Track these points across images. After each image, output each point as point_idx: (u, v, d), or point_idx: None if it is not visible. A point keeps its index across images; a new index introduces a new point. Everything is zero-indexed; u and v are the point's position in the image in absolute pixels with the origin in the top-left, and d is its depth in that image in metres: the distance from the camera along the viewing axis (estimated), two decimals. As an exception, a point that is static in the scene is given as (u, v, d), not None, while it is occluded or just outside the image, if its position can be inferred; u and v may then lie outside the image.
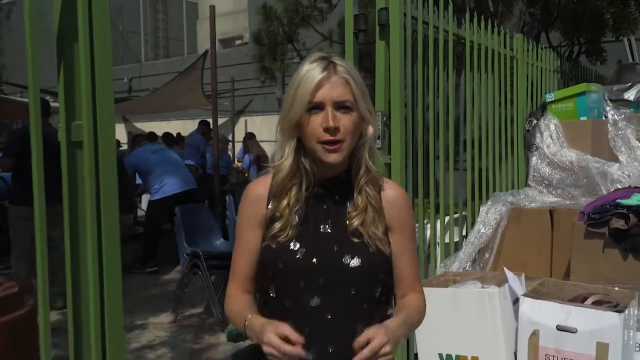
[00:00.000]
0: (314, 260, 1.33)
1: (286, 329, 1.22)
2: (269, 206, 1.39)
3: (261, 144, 9.77)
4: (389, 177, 2.69)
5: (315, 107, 1.31)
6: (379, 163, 2.68)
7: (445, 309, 2.53)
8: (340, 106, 1.32)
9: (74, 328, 1.57)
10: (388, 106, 2.65)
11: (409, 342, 2.82)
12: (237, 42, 15.31)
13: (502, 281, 2.58)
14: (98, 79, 1.45)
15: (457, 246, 3.28)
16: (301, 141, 1.36)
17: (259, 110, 13.41)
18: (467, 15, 3.24)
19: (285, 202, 1.37)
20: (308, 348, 1.26)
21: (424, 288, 2.47)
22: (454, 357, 2.55)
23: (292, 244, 1.34)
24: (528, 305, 2.37)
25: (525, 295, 2.41)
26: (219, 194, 5.86)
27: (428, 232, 2.96)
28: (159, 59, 16.16)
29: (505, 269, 2.62)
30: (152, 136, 10.04)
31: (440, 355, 2.58)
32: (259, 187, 1.42)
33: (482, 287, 2.60)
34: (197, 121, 9.70)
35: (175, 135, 9.44)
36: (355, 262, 1.34)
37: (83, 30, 1.43)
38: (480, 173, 3.54)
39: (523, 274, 2.71)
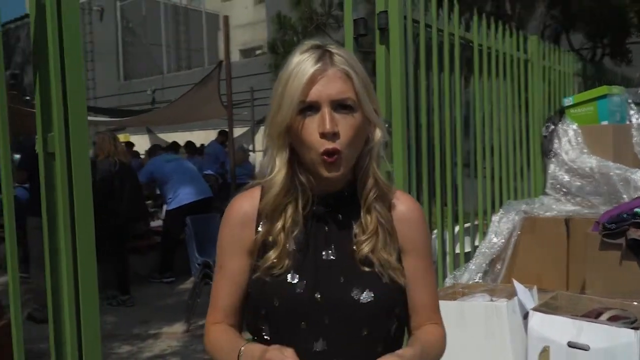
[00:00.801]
0: (317, 295, 1.09)
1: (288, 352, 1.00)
2: (259, 229, 1.14)
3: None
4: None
5: (309, 107, 1.06)
6: (382, 171, 2.62)
7: (452, 323, 2.41)
8: (339, 106, 1.07)
9: (54, 336, 1.53)
10: (390, 112, 2.57)
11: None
12: (257, 52, 15.39)
13: (512, 294, 2.47)
14: (70, 91, 1.41)
15: (469, 257, 3.16)
16: (294, 150, 1.11)
17: (279, 120, 13.40)
18: (475, 18, 3.14)
19: (279, 225, 1.12)
20: None
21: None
22: (461, 374, 2.44)
23: (289, 275, 1.09)
24: (538, 320, 2.25)
25: (534, 309, 2.30)
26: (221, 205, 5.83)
27: (436, 243, 2.86)
28: (181, 70, 16.33)
29: (514, 281, 2.50)
30: (174, 146, 10.14)
31: (447, 371, 2.47)
32: (245, 205, 1.16)
33: (491, 300, 2.49)
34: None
35: (197, 145, 9.51)
36: (366, 296, 1.09)
37: (52, 44, 1.39)
38: (493, 181, 3.42)
39: (535, 287, 2.59)
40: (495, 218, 3.13)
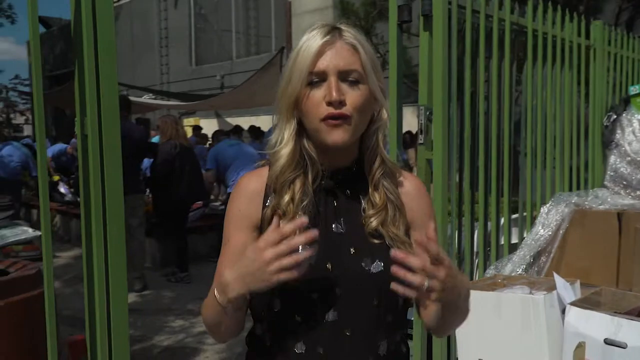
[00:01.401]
0: (328, 265, 1.10)
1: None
2: (267, 203, 1.15)
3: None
4: (431, 174, 2.59)
5: (317, 78, 1.09)
6: (421, 159, 2.61)
7: (488, 314, 2.40)
8: (346, 77, 1.09)
9: (88, 313, 1.64)
10: (431, 100, 2.55)
11: (450, 345, 2.71)
12: (325, 37, 15.37)
13: (553, 288, 2.41)
14: (102, 76, 1.50)
15: (516, 249, 3.09)
16: (303, 124, 1.13)
17: (344, 106, 13.38)
18: (530, 3, 3.04)
19: (288, 197, 1.12)
20: None
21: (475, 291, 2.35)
22: (495, 365, 2.41)
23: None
24: (574, 315, 2.19)
25: (572, 303, 2.24)
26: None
27: (476, 233, 2.82)
28: (250, 56, 16.60)
29: (555, 274, 2.44)
30: (237, 130, 10.38)
31: (481, 362, 2.45)
32: (253, 182, 1.18)
33: (530, 293, 2.43)
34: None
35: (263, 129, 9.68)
36: (376, 266, 1.11)
37: (87, 32, 1.48)
38: (545, 171, 3.32)
39: (578, 281, 2.51)
40: (543, 209, 3.04)
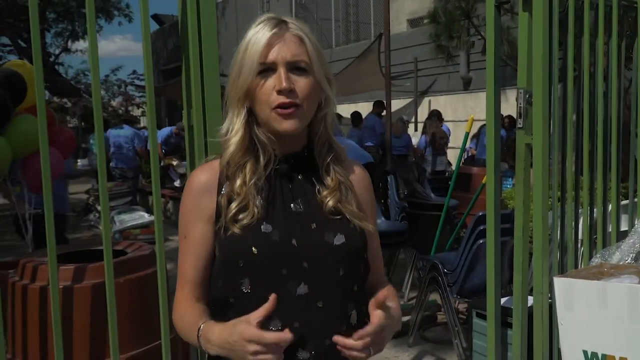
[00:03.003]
0: (294, 241, 1.15)
1: (257, 314, 1.04)
2: (222, 191, 1.19)
3: (445, 123, 9.59)
4: (531, 158, 2.52)
5: (267, 69, 1.14)
6: (520, 144, 2.54)
7: (592, 304, 2.31)
8: (294, 67, 1.14)
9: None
10: (530, 82, 2.47)
11: (552, 336, 2.63)
12: (425, 21, 15.12)
13: (665, 278, 2.27)
14: (206, 69, 1.62)
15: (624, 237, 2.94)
16: (253, 113, 1.18)
17: (443, 90, 13.15)
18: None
19: (239, 181, 1.17)
20: (302, 346, 1.12)
21: (570, 279, 2.30)
22: (599, 356, 2.32)
23: (262, 226, 1.14)
24: (687, 307, 2.06)
25: (684, 295, 2.10)
26: (381, 174, 5.94)
27: (581, 222, 2.71)
28: (349, 43, 16.66)
29: (667, 264, 2.29)
30: (337, 117, 10.49)
31: (585, 352, 2.36)
32: (204, 174, 1.22)
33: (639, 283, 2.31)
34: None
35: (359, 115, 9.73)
36: (339, 239, 1.17)
37: (191, 29, 1.60)
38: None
39: (695, 272, 2.35)
40: (657, 196, 2.86)
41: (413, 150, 8.84)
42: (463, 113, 12.56)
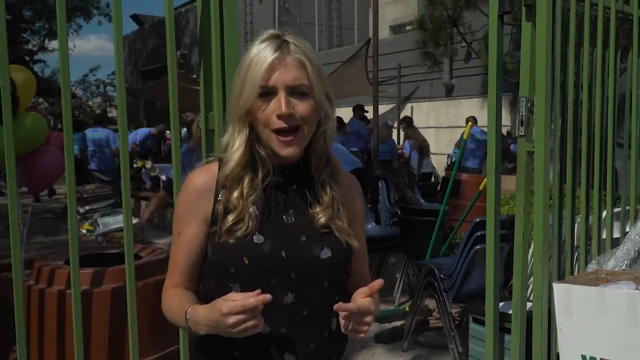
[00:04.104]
0: (283, 253, 1.21)
1: (235, 295, 1.09)
2: (219, 198, 1.24)
3: (427, 129, 9.69)
4: (532, 166, 2.57)
5: (268, 92, 1.18)
6: (522, 151, 2.58)
7: (591, 309, 2.36)
8: (294, 91, 1.18)
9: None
10: (533, 90, 2.52)
11: (550, 340, 2.67)
12: (407, 27, 15.24)
13: (661, 284, 2.33)
14: (228, 76, 1.61)
15: (619, 244, 3.00)
16: (254, 130, 1.22)
17: (426, 97, 13.26)
18: (637, -11, 2.92)
19: (237, 194, 1.22)
20: (288, 350, 1.20)
21: (570, 285, 2.33)
22: (598, 361, 2.36)
23: (255, 237, 1.20)
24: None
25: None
26: (370, 179, 5.97)
27: (577, 228, 2.76)
28: (332, 48, 16.71)
29: (664, 271, 2.35)
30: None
31: (584, 357, 2.40)
32: (203, 177, 1.26)
33: (637, 289, 2.36)
34: (365, 107, 9.87)
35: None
36: (325, 253, 1.24)
37: (215, 36, 1.60)
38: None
39: (690, 278, 2.41)
40: (650, 203, 2.93)
41: (399, 155, 8.90)
42: (445, 119, 12.70)
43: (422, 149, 8.90)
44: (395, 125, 12.03)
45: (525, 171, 2.59)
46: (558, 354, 2.64)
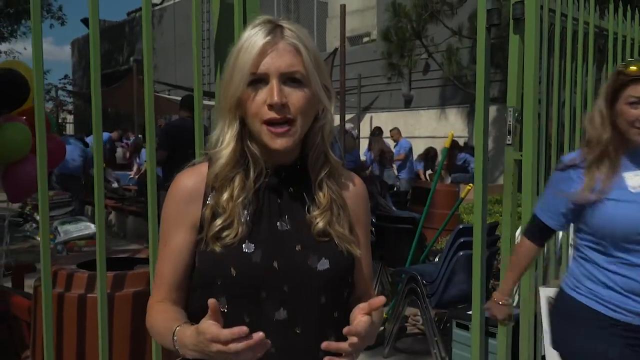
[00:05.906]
0: (275, 264, 1.07)
1: (212, 327, 0.93)
2: (208, 202, 1.11)
3: (386, 140, 9.81)
4: (519, 174, 2.65)
5: (259, 80, 1.05)
6: (509, 160, 2.66)
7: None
8: (288, 79, 1.05)
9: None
10: (521, 102, 2.60)
11: (536, 343, 2.75)
12: (365, 39, 15.45)
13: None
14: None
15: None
16: (245, 124, 1.09)
17: (385, 107, 13.46)
18: (611, 5, 3.07)
19: (226, 195, 1.09)
20: None
21: (554, 289, 2.40)
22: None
23: (244, 245, 1.07)
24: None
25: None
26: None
27: (560, 235, 2.86)
28: (290, 58, 16.76)
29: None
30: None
31: None
32: (191, 180, 1.13)
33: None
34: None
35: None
36: (323, 264, 1.09)
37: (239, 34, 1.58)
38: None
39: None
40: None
41: (361, 165, 8.97)
42: (404, 130, 12.89)
43: (382, 160, 9.01)
44: (359, 135, 12.15)
45: (512, 179, 2.67)
46: (543, 356, 2.72)
